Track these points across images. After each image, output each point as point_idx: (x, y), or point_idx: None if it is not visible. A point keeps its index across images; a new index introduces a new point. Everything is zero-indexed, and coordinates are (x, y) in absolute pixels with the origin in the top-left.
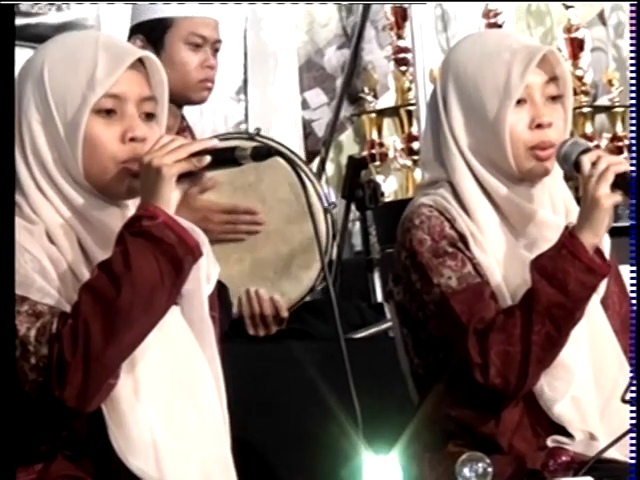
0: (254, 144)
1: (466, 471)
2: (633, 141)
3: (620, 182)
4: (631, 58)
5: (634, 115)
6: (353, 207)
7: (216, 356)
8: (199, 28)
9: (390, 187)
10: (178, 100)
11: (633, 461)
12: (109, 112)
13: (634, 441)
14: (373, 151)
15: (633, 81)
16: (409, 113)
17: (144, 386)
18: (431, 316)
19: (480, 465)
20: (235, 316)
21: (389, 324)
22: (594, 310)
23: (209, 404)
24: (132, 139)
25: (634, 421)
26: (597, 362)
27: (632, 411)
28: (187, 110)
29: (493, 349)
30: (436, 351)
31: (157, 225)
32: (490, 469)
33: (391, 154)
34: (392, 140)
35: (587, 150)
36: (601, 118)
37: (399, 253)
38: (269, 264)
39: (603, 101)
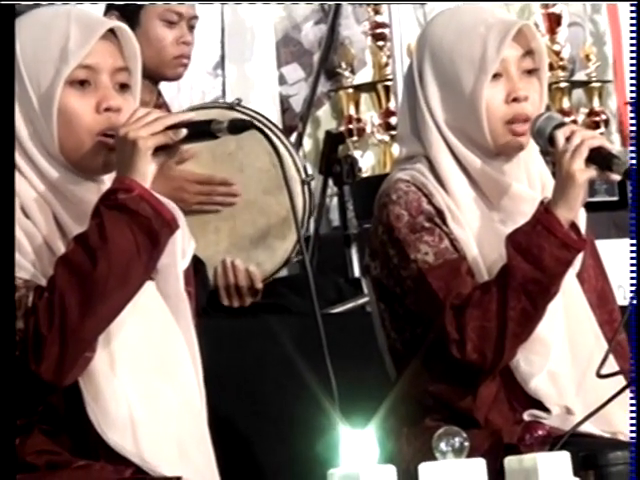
0: (232, 116)
1: (443, 445)
2: (633, 141)
3: (595, 157)
4: (631, 58)
5: (634, 116)
6: (330, 182)
7: (192, 331)
8: (175, 5)
9: (367, 162)
10: (154, 76)
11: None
12: (83, 83)
13: (634, 443)
14: (350, 126)
15: (633, 81)
16: (386, 88)
17: (120, 360)
18: (408, 291)
19: (457, 439)
20: (211, 287)
21: (366, 299)
22: (570, 284)
23: (185, 378)
24: (107, 109)
25: (634, 421)
26: (573, 336)
27: (632, 411)
28: (164, 85)
29: (470, 325)
30: (413, 326)
31: (133, 198)
32: (467, 443)
33: (368, 129)
34: (369, 115)
35: (561, 124)
36: (578, 93)
37: (376, 228)
38: (246, 234)
39: (580, 76)
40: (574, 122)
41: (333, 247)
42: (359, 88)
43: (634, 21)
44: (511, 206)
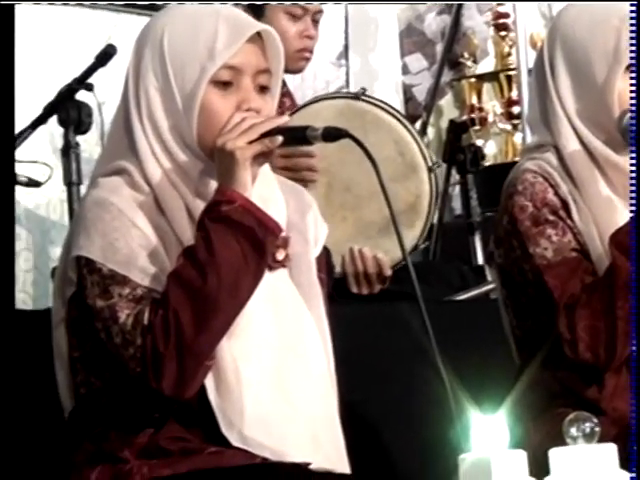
0: (357, 107)
1: (573, 431)
2: (633, 134)
3: None
4: (631, 58)
5: (634, 111)
6: (453, 171)
7: (324, 317)
8: None
9: (490, 151)
10: None
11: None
12: (226, 83)
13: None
14: (473, 116)
15: (633, 81)
16: (508, 78)
17: (252, 351)
18: (530, 282)
19: (587, 425)
20: (339, 275)
21: (490, 286)
22: None
23: (317, 365)
24: (248, 110)
25: (634, 422)
26: None
27: (633, 405)
28: (288, 75)
29: (580, 325)
30: (537, 313)
31: (236, 209)
32: (597, 429)
33: (490, 118)
34: (492, 105)
35: None
36: None
37: (502, 217)
38: (372, 223)
39: None
40: None
41: (456, 235)
42: (481, 78)
43: (634, 21)
44: None
